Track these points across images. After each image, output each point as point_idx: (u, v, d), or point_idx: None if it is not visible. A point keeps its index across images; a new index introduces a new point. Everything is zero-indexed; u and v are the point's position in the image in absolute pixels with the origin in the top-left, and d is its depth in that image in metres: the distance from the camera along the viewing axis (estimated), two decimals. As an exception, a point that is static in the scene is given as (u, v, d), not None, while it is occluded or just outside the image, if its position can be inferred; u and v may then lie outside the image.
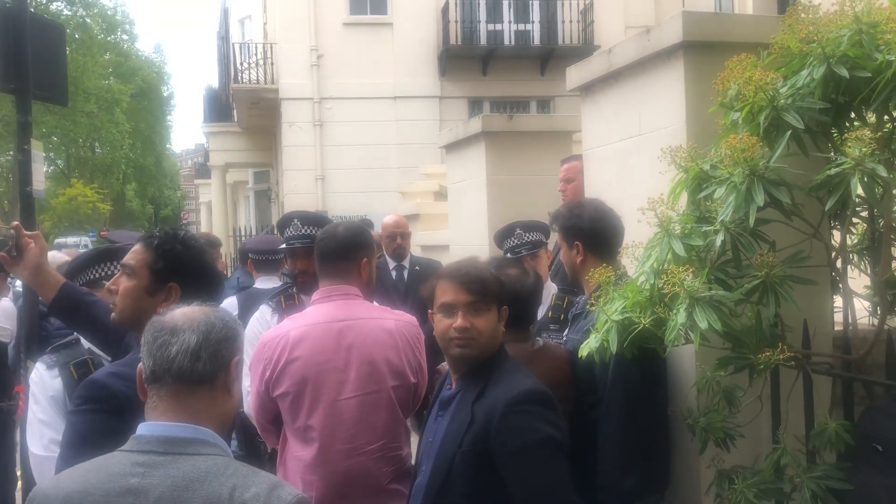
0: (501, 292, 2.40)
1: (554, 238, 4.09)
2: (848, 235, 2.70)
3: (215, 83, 25.11)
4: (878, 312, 2.43)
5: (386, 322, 2.79)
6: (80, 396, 2.09)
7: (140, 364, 1.63)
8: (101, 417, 2.00)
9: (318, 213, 3.73)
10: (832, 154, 2.06)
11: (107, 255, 3.08)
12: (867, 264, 2.76)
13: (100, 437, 1.90)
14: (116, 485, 1.50)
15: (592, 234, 2.79)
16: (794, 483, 2.13)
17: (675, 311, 2.05)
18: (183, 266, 2.30)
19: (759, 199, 1.94)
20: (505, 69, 16.30)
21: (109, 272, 2.98)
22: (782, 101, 2.03)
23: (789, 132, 1.99)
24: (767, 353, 1.99)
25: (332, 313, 2.73)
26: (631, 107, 3.00)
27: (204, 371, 1.59)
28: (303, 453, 2.66)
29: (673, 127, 2.70)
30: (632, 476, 2.53)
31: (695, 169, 2.24)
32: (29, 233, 2.70)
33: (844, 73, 1.95)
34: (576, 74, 3.41)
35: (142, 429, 1.59)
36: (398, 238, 5.54)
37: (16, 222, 2.77)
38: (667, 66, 2.76)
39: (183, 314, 1.63)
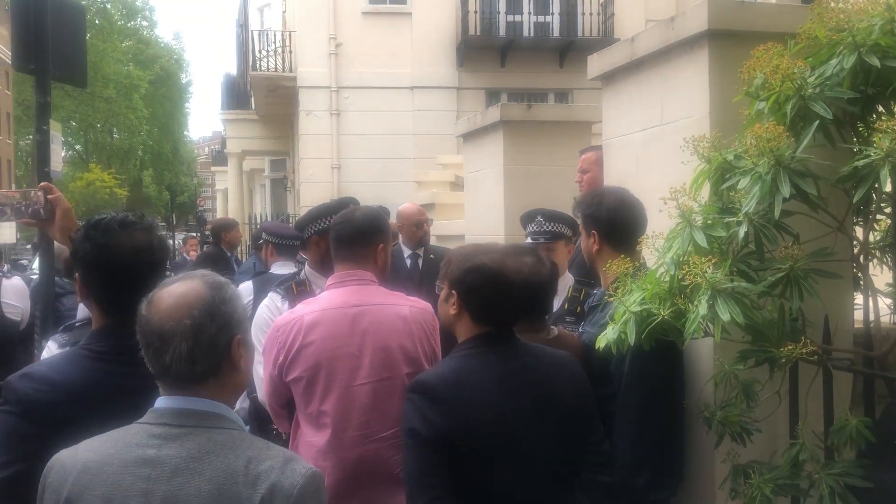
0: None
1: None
2: (871, 232, 2.66)
3: (234, 71, 25.17)
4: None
5: (401, 308, 2.77)
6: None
7: None
8: (11, 419, 1.88)
9: (349, 197, 3.70)
10: (859, 146, 2.02)
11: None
12: (890, 261, 2.72)
13: (8, 438, 1.85)
14: (133, 455, 1.52)
15: (609, 224, 2.75)
16: (811, 479, 2.10)
17: (696, 303, 2.02)
18: (80, 258, 2.05)
19: (785, 190, 1.91)
20: (523, 61, 16.21)
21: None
22: (810, 90, 1.99)
23: (817, 122, 1.95)
24: (790, 347, 1.96)
25: (346, 298, 2.72)
26: (653, 96, 2.96)
27: (203, 370, 1.58)
28: (315, 439, 2.66)
29: (696, 117, 2.67)
30: (645, 472, 2.51)
31: (718, 159, 2.20)
32: (51, 195, 2.76)
33: (875, 62, 1.91)
34: (597, 63, 3.37)
35: (159, 402, 1.60)
36: (424, 225, 5.59)
37: (43, 183, 2.82)
38: (690, 55, 2.72)
39: (167, 313, 1.56)
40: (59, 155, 4.36)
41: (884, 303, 2.64)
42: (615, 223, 2.75)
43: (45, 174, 4.14)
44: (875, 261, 2.73)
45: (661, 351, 2.29)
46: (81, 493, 1.51)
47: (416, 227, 5.57)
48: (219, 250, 7.31)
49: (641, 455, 2.50)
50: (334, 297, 2.73)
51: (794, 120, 2.04)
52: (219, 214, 37.03)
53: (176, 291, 1.59)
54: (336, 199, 3.74)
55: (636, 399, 2.52)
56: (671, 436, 2.64)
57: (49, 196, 2.74)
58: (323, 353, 2.63)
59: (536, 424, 2.20)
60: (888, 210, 2.52)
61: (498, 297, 2.25)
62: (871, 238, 2.74)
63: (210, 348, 1.58)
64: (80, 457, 1.55)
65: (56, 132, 4.31)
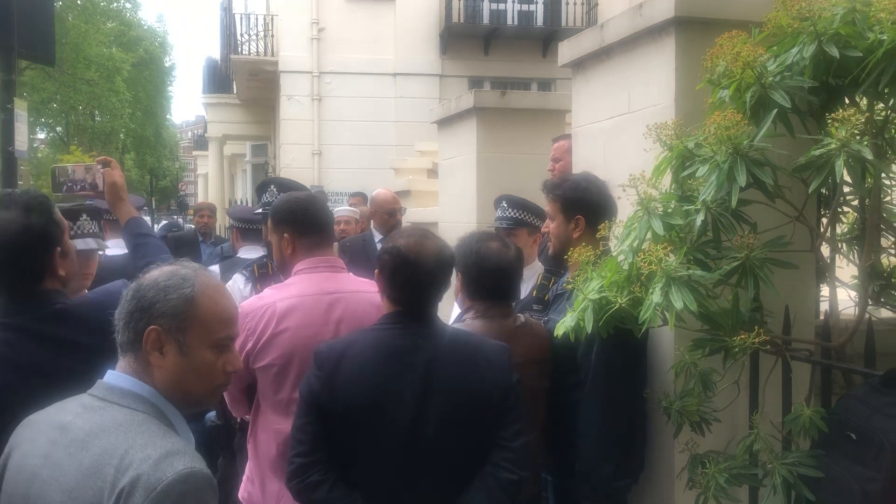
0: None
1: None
2: (837, 223, 2.66)
3: (216, 55, 24.92)
4: (875, 302, 2.40)
5: (374, 296, 2.73)
6: None
7: None
8: None
9: (293, 180, 3.68)
10: (817, 136, 2.01)
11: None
12: (856, 253, 2.72)
13: None
14: (57, 419, 1.57)
15: (599, 210, 2.74)
16: (766, 469, 2.10)
17: (651, 291, 2.01)
18: None
19: (742, 178, 1.90)
20: (507, 49, 16.15)
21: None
22: (770, 78, 1.97)
23: (775, 111, 1.93)
24: (743, 336, 1.95)
25: (321, 285, 2.69)
26: (621, 84, 2.94)
27: (123, 341, 1.63)
28: (284, 425, 2.61)
29: (662, 105, 2.65)
30: (611, 462, 2.51)
31: (679, 147, 2.19)
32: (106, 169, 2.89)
33: (835, 51, 1.90)
34: (567, 50, 3.35)
35: (105, 375, 1.65)
36: (398, 214, 5.58)
37: (102, 157, 2.96)
38: (658, 43, 2.70)
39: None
40: (23, 134, 4.29)
41: (848, 294, 2.64)
42: (603, 209, 2.74)
43: (9, 153, 4.08)
44: (840, 253, 2.74)
45: (628, 339, 2.28)
46: (17, 444, 1.60)
47: (389, 215, 5.54)
48: (191, 234, 7.26)
49: (608, 444, 2.50)
50: (307, 284, 2.70)
51: (755, 108, 2.03)
52: (200, 199, 36.78)
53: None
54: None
55: (603, 388, 2.52)
56: (637, 425, 2.64)
57: (104, 169, 2.87)
58: (297, 340, 2.60)
59: (421, 406, 2.20)
60: (855, 203, 2.52)
61: (401, 277, 2.29)
62: (837, 230, 2.75)
63: (127, 322, 1.63)
64: (30, 418, 1.63)
65: (21, 111, 4.23)
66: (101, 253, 3.19)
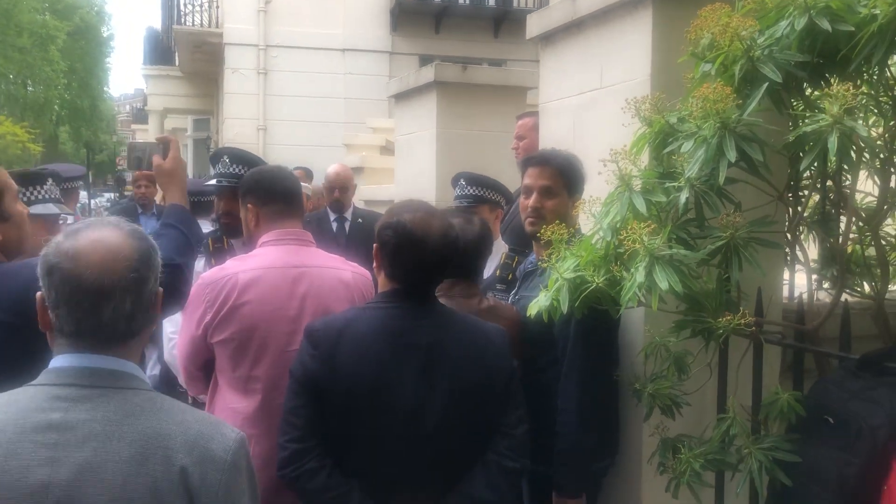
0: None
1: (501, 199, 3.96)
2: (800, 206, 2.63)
3: (158, 25, 24.16)
4: (834, 285, 2.38)
5: (343, 273, 2.63)
6: None
7: (39, 293, 1.43)
8: None
9: (247, 151, 3.51)
10: (806, 112, 1.96)
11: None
12: (816, 236, 2.71)
13: None
14: (33, 420, 1.35)
15: (582, 187, 2.67)
16: (741, 454, 2.06)
17: (632, 271, 1.93)
18: None
19: (731, 154, 1.83)
20: (458, 28, 16.01)
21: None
22: (759, 52, 1.91)
23: (766, 84, 1.87)
24: (728, 318, 1.90)
25: (286, 258, 2.56)
26: (594, 58, 2.86)
27: (139, 326, 1.46)
28: (242, 405, 2.49)
29: (637, 80, 2.58)
30: (593, 434, 2.45)
31: (660, 122, 2.12)
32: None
33: (826, 25, 1.84)
34: (536, 23, 3.25)
35: (58, 361, 1.42)
36: (336, 191, 5.35)
37: (162, 136, 2.77)
38: (634, 16, 2.63)
39: (105, 265, 1.39)
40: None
41: (806, 277, 2.63)
42: (582, 182, 2.67)
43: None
44: (803, 235, 2.72)
45: (604, 317, 2.21)
46: None
47: (328, 192, 5.37)
48: (131, 204, 6.96)
49: (588, 416, 2.45)
50: (272, 256, 2.56)
51: (741, 83, 1.96)
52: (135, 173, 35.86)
53: (102, 242, 1.41)
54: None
55: (582, 363, 2.46)
56: (613, 404, 2.58)
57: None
58: (259, 314, 2.46)
59: (422, 390, 2.10)
60: (819, 185, 2.50)
61: (405, 255, 2.14)
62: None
63: (148, 301, 1.46)
64: None
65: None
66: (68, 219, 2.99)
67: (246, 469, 1.45)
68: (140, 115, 38.16)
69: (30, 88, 42.82)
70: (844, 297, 2.30)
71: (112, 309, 1.39)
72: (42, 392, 1.39)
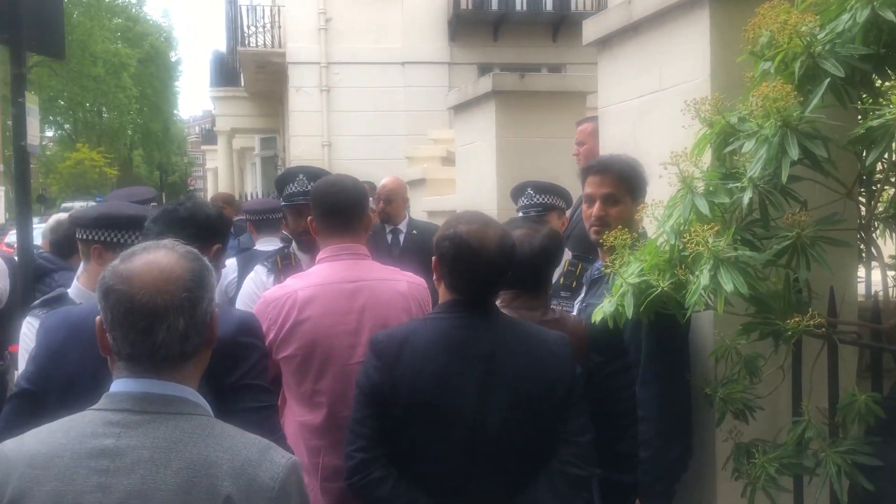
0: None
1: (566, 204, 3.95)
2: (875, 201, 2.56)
3: (223, 48, 24.84)
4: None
5: (398, 284, 2.66)
6: None
7: (98, 317, 1.46)
8: None
9: (321, 168, 3.57)
10: (871, 106, 1.91)
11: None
12: (891, 232, 2.62)
13: None
14: (88, 446, 1.37)
15: (644, 188, 2.64)
16: (818, 458, 2.01)
17: (697, 273, 1.91)
18: None
19: (794, 152, 1.80)
20: (516, 35, 16.00)
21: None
22: (820, 47, 1.87)
23: (828, 80, 1.83)
24: (797, 319, 1.86)
25: (342, 273, 2.60)
26: (651, 60, 2.84)
27: (193, 347, 1.46)
28: (309, 418, 2.55)
29: (696, 81, 2.55)
30: (677, 445, 2.42)
31: (720, 122, 2.09)
32: None
33: (891, 16, 1.79)
34: (592, 28, 3.25)
35: (116, 386, 1.44)
36: (381, 202, 5.36)
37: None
38: (691, 17, 2.60)
39: (157, 286, 1.41)
40: (35, 128, 4.22)
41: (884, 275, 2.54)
42: (644, 186, 2.64)
43: (21, 149, 4.01)
44: (878, 232, 2.64)
45: (674, 321, 2.18)
46: (29, 488, 1.35)
47: (375, 203, 5.40)
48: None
49: (670, 423, 2.42)
50: (329, 272, 2.61)
51: (802, 80, 1.93)
52: (209, 194, 36.86)
53: (156, 264, 1.44)
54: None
55: (657, 369, 2.43)
56: (687, 408, 2.55)
57: None
58: (319, 330, 2.52)
59: (484, 400, 2.10)
60: (893, 179, 2.42)
61: (463, 265, 2.15)
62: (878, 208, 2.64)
63: (202, 321, 1.46)
64: (27, 448, 1.39)
65: (32, 105, 4.16)
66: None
67: (297, 495, 1.42)
68: (209, 136, 39.20)
69: (104, 115, 44.53)
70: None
71: (166, 329, 1.40)
72: (98, 417, 1.40)
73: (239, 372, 2.02)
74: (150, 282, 1.41)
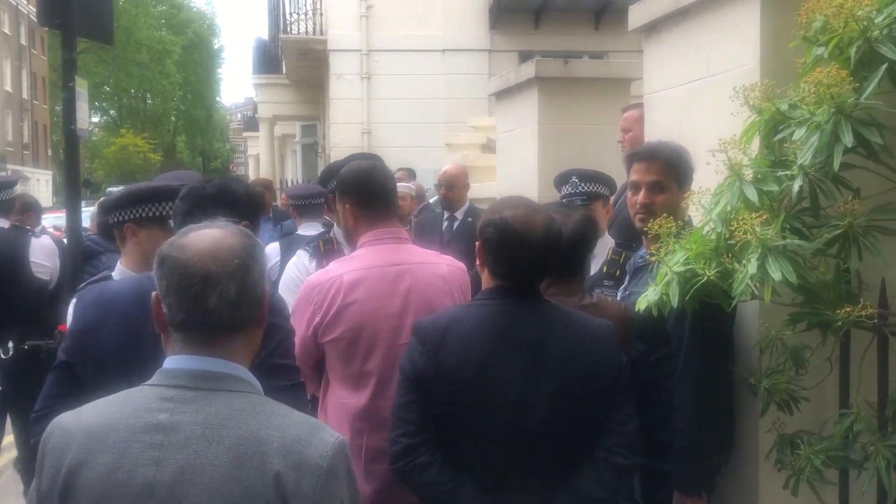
0: None
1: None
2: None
3: (265, 35, 25.04)
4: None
5: (439, 267, 2.71)
6: None
7: (155, 293, 1.50)
8: None
9: (372, 154, 3.65)
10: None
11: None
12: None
13: None
14: (142, 420, 1.40)
15: (691, 175, 2.61)
16: (866, 451, 1.97)
17: (744, 262, 1.89)
18: None
19: (847, 139, 1.76)
20: (557, 22, 15.85)
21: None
22: (877, 31, 1.82)
23: (885, 66, 1.78)
24: (847, 310, 1.82)
25: (387, 257, 2.65)
26: (699, 46, 2.80)
27: (244, 317, 1.49)
28: (353, 400, 2.59)
29: (746, 66, 2.50)
30: (712, 432, 2.41)
31: (770, 109, 2.05)
32: None
33: (951, -1, 1.74)
34: (638, 13, 3.21)
35: (170, 362, 1.48)
36: (442, 189, 5.51)
37: None
38: (741, 1, 2.55)
39: (210, 253, 1.45)
40: (84, 112, 4.31)
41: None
42: (691, 174, 2.61)
43: (71, 132, 4.09)
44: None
45: (719, 311, 2.15)
46: (86, 460, 1.39)
47: (437, 189, 5.51)
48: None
49: (706, 414, 2.40)
50: (373, 256, 2.65)
51: (857, 66, 1.88)
52: (251, 180, 37.33)
53: (209, 235, 1.49)
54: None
55: (697, 359, 2.41)
56: (728, 399, 2.52)
57: None
58: (365, 312, 2.56)
59: (528, 388, 2.10)
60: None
61: (508, 251, 2.14)
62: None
63: (254, 292, 1.49)
64: (85, 421, 1.44)
65: (82, 89, 4.25)
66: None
67: (345, 475, 1.44)
68: (251, 123, 39.61)
69: (149, 101, 45.25)
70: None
71: (217, 295, 1.43)
72: (153, 392, 1.44)
73: (265, 351, 2.03)
74: (203, 248, 1.46)
